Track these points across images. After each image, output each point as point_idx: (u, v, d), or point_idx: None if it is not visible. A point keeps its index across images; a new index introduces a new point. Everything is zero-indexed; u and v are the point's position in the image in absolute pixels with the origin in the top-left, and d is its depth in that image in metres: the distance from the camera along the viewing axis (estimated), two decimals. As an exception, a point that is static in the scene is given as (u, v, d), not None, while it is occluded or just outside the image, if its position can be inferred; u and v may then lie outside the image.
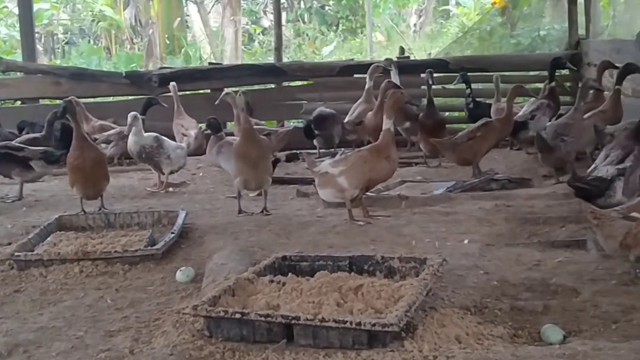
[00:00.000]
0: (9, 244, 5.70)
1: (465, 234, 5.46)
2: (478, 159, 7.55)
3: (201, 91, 11.79)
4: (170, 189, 8.01)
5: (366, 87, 9.64)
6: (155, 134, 8.00)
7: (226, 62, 19.14)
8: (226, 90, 8.60)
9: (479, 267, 4.61)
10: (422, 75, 11.19)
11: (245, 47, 23.96)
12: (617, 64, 8.20)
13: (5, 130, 9.35)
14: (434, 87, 9.13)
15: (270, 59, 14.45)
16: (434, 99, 8.93)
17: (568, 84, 11.03)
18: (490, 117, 8.33)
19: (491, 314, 3.89)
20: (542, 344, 3.50)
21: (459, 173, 7.93)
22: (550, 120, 8.55)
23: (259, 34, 25.45)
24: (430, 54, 18.11)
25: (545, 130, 7.36)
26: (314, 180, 6.46)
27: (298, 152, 9.51)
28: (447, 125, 8.93)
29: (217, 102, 8.48)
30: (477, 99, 9.87)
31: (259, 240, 5.54)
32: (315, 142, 9.69)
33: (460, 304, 3.95)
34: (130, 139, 7.92)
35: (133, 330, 3.93)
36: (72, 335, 3.89)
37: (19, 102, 11.65)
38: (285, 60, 13.72)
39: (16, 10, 12.68)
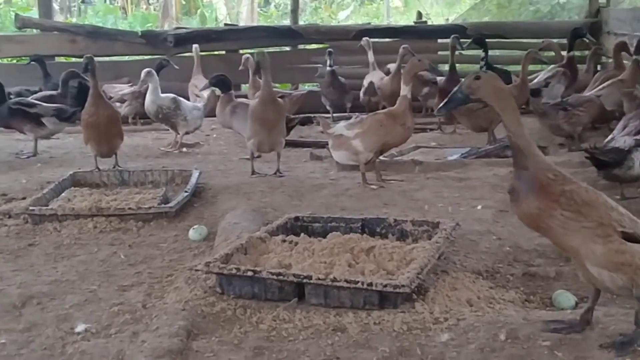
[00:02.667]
0: (24, 198, 5.75)
1: (479, 200, 5.46)
2: (494, 126, 7.52)
3: (216, 52, 11.76)
4: (184, 149, 8.03)
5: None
6: (172, 95, 7.99)
7: (242, 24, 19.04)
8: (247, 54, 8.69)
9: (492, 233, 4.61)
10: (440, 40, 11.12)
11: (261, 10, 23.82)
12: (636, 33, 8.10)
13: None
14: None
15: (286, 23, 14.34)
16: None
17: (587, 52, 10.91)
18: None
19: (503, 279, 3.89)
20: (553, 309, 3.50)
21: (474, 140, 7.91)
22: (566, 89, 8.52)
23: (275, -4, 25.28)
24: (447, 19, 17.97)
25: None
26: (327, 144, 6.44)
27: (312, 115, 9.50)
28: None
29: (241, 68, 8.64)
30: (495, 65, 9.73)
31: (271, 201, 5.55)
32: (327, 106, 9.77)
33: (473, 269, 3.96)
34: (148, 98, 7.91)
35: (146, 285, 3.95)
36: (86, 289, 3.92)
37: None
38: (301, 23, 13.63)
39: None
